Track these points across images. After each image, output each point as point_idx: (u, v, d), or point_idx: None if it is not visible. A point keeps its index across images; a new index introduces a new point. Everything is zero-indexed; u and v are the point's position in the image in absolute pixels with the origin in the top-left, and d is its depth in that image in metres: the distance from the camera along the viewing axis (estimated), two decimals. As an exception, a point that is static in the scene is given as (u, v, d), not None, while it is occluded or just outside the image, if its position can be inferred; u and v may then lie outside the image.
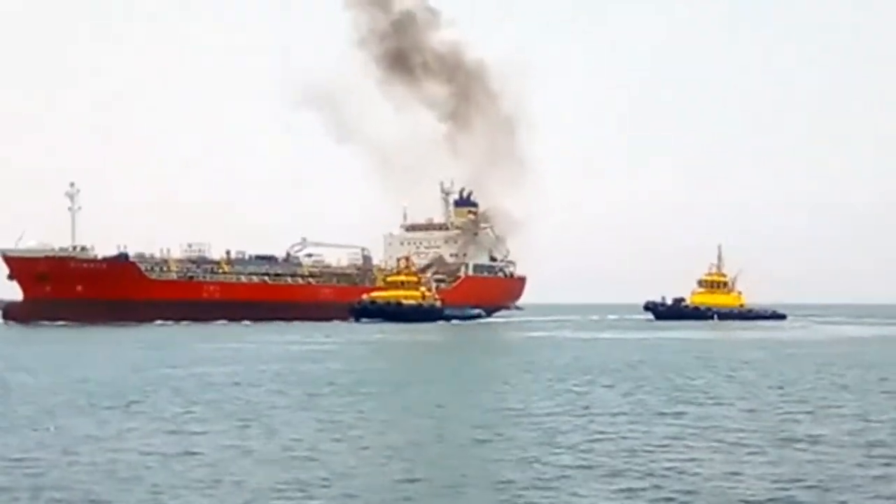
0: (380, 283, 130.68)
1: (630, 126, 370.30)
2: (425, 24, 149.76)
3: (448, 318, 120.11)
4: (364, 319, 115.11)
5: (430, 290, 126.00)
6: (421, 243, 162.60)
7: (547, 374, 45.00)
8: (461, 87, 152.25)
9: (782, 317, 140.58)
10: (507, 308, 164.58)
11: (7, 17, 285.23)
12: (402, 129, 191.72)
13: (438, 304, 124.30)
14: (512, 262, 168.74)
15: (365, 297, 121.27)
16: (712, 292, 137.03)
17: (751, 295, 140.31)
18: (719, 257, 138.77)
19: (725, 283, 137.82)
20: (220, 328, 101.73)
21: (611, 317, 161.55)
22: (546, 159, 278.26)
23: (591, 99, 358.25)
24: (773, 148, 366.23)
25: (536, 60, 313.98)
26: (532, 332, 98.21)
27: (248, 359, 54.46)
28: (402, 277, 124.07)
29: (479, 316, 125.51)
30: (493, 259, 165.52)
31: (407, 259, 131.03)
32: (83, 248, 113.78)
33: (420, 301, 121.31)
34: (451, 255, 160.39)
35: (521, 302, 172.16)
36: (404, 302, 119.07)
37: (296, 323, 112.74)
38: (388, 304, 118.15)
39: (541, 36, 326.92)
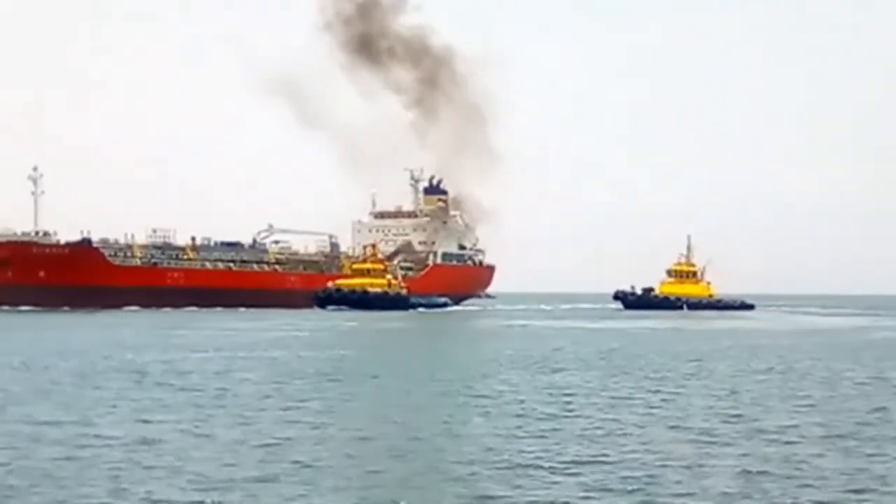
0: (347, 271, 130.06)
1: (609, 118, 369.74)
2: (391, 8, 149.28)
3: (414, 307, 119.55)
4: (329, 307, 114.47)
5: (396, 277, 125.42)
6: (389, 230, 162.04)
7: (512, 363, 44.75)
8: (428, 72, 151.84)
9: (751, 307, 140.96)
10: (478, 296, 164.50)
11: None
12: (369, 116, 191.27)
13: (404, 292, 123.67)
14: (481, 251, 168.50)
15: (330, 284, 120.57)
16: (681, 282, 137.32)
17: (720, 286, 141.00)
18: (688, 248, 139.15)
19: (695, 273, 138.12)
20: (186, 315, 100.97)
21: (583, 306, 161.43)
22: (519, 150, 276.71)
23: (569, 89, 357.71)
24: (745, 142, 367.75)
25: (512, 50, 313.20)
26: (499, 321, 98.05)
27: (214, 346, 53.88)
28: (369, 265, 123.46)
29: (445, 304, 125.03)
30: (462, 247, 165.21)
31: (373, 246, 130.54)
32: (45, 234, 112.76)
33: (386, 289, 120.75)
34: (420, 243, 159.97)
35: (491, 290, 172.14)
36: (370, 290, 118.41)
37: (258, 310, 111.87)
38: (354, 291, 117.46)
39: (519, 26, 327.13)
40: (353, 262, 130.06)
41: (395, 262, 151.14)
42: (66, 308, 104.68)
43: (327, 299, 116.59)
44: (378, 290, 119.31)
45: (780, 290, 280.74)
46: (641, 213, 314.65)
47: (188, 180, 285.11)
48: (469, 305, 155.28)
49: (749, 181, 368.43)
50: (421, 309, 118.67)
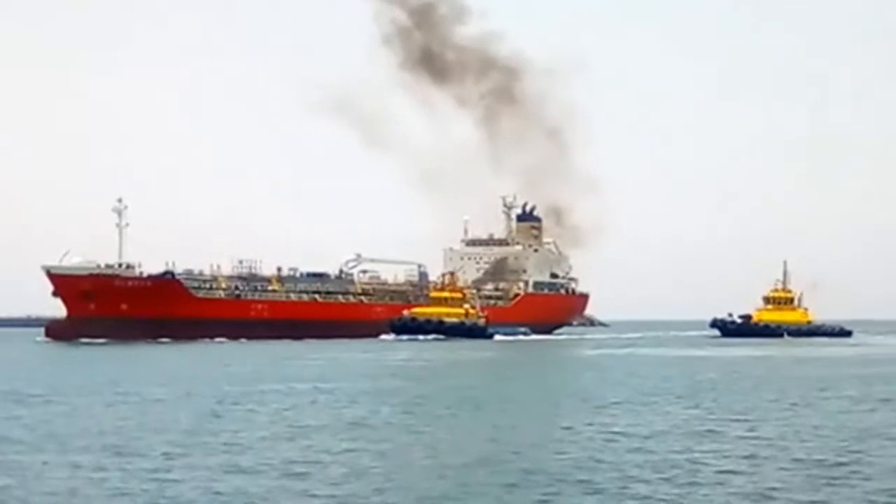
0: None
1: (696, 136, 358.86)
2: (452, 16, 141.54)
3: (491, 336, 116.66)
4: (403, 336, 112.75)
5: (474, 307, 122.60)
6: (481, 258, 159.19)
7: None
8: (497, 85, 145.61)
9: (849, 333, 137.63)
10: (583, 324, 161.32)
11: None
12: (438, 136, 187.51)
13: (482, 321, 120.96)
14: (574, 279, 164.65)
15: (406, 312, 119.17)
16: (779, 309, 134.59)
17: (817, 312, 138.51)
18: (785, 273, 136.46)
19: (791, 300, 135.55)
20: (272, 346, 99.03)
21: (673, 333, 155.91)
22: (607, 169, 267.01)
23: (657, 99, 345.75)
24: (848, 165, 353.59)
25: (593, 56, 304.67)
26: (592, 350, 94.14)
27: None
28: (446, 294, 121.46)
29: (524, 334, 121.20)
30: (554, 276, 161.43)
31: (452, 275, 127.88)
32: (128, 266, 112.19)
33: (463, 318, 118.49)
34: (512, 272, 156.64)
35: (605, 319, 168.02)
36: (446, 319, 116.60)
37: (331, 340, 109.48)
38: (430, 320, 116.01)
39: (599, 27, 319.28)
40: (433, 291, 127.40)
41: (488, 286, 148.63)
42: (146, 341, 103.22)
43: (402, 328, 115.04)
44: (455, 319, 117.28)
45: (882, 316, 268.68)
46: (734, 238, 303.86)
47: (270, 208, 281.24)
48: (560, 334, 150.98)
49: (851, 206, 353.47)
50: (498, 338, 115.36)
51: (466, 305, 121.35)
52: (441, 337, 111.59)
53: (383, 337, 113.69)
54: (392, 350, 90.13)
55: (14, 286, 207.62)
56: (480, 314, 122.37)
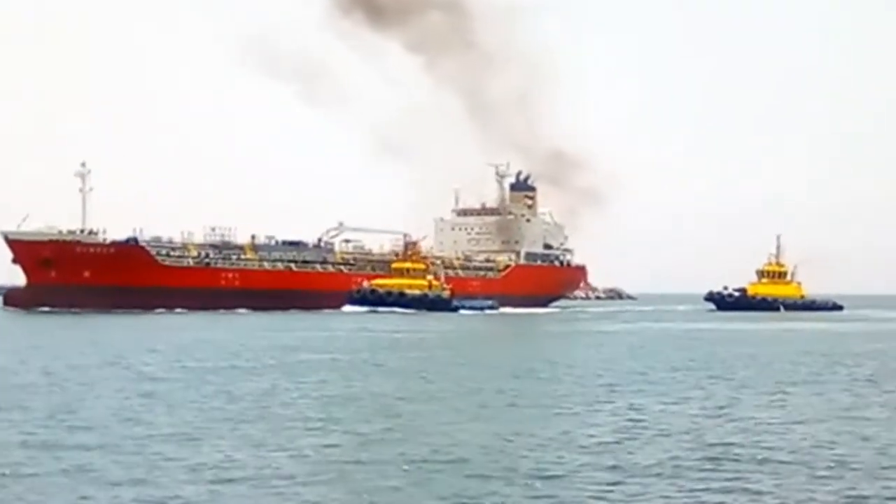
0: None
1: (687, 109, 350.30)
2: None
3: (456, 309, 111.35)
4: (363, 308, 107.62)
5: (438, 278, 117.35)
6: (473, 228, 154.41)
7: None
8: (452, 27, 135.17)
9: (840, 307, 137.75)
10: (619, 297, 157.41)
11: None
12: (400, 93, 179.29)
13: (447, 294, 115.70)
14: (569, 250, 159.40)
15: (366, 283, 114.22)
16: (774, 283, 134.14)
17: (810, 286, 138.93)
18: (778, 248, 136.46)
19: (784, 274, 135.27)
20: (237, 317, 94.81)
21: (681, 308, 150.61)
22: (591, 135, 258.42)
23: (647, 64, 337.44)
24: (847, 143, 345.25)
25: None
26: (578, 326, 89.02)
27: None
28: (408, 264, 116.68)
29: (491, 307, 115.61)
30: (548, 246, 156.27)
31: (414, 244, 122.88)
32: (91, 232, 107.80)
33: (426, 290, 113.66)
34: (503, 242, 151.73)
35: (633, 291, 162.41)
36: (408, 291, 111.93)
37: (306, 312, 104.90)
38: (390, 292, 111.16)
39: None
40: (392, 262, 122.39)
41: (480, 256, 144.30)
42: (110, 310, 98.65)
43: (360, 299, 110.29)
44: (417, 291, 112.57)
45: (876, 290, 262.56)
46: (725, 213, 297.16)
47: (248, 177, 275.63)
48: (557, 306, 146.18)
49: (843, 180, 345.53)
50: (464, 312, 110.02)
51: (430, 277, 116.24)
52: (401, 310, 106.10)
53: (344, 308, 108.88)
54: (338, 321, 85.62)
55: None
56: (445, 286, 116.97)
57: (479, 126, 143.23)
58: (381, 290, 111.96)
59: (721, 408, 28.92)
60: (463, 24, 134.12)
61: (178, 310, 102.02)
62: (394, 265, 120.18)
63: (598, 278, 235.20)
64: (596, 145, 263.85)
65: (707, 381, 36.21)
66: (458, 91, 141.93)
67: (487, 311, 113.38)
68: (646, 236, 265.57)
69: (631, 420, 26.21)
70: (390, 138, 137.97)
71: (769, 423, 25.88)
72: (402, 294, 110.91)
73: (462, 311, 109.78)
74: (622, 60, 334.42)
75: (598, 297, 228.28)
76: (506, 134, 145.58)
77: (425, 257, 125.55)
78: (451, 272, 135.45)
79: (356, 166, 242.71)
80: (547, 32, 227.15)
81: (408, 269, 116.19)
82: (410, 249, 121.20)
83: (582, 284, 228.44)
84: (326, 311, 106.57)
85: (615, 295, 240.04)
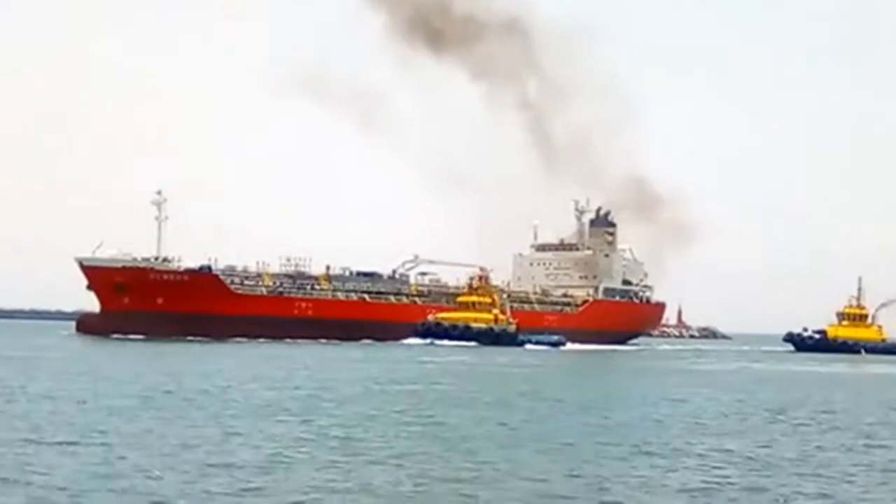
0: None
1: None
2: None
3: (521, 344, 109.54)
4: (421, 340, 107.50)
5: (504, 312, 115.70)
6: (551, 264, 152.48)
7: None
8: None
9: None
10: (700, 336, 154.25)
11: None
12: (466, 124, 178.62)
13: (513, 328, 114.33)
14: (648, 287, 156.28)
15: (430, 316, 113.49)
16: (854, 325, 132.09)
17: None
18: (859, 290, 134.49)
19: (865, 317, 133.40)
20: (312, 348, 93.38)
21: (745, 348, 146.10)
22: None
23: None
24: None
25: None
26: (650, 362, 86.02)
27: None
28: (474, 298, 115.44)
29: (558, 343, 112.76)
30: (627, 283, 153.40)
31: (481, 278, 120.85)
32: (165, 259, 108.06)
33: (491, 324, 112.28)
34: (582, 277, 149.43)
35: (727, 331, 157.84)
36: (473, 325, 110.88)
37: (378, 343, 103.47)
38: (455, 325, 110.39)
39: None
40: (461, 295, 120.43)
41: (557, 292, 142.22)
42: (181, 338, 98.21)
43: (425, 332, 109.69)
44: (482, 325, 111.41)
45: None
46: (805, 256, 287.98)
47: (324, 210, 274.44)
48: (633, 345, 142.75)
49: None
50: (530, 347, 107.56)
51: (495, 311, 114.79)
52: (466, 343, 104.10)
53: (406, 341, 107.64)
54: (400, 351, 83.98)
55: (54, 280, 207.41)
56: (511, 320, 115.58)
57: (545, 156, 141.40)
58: (445, 324, 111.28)
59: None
60: (526, 50, 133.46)
61: (257, 339, 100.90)
62: (459, 298, 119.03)
63: (692, 316, 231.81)
64: (679, 179, 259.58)
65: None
66: (524, 121, 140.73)
67: (553, 347, 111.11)
68: (743, 275, 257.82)
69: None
70: (454, 169, 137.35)
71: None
72: (467, 327, 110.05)
73: (528, 346, 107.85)
74: (691, 87, 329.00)
75: (692, 336, 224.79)
76: (577, 166, 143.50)
77: (493, 290, 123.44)
78: (527, 306, 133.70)
79: (421, 197, 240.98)
80: (610, 57, 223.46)
81: (474, 303, 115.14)
82: (477, 283, 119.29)
83: (676, 323, 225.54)
84: (389, 342, 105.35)
85: (709, 334, 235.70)
